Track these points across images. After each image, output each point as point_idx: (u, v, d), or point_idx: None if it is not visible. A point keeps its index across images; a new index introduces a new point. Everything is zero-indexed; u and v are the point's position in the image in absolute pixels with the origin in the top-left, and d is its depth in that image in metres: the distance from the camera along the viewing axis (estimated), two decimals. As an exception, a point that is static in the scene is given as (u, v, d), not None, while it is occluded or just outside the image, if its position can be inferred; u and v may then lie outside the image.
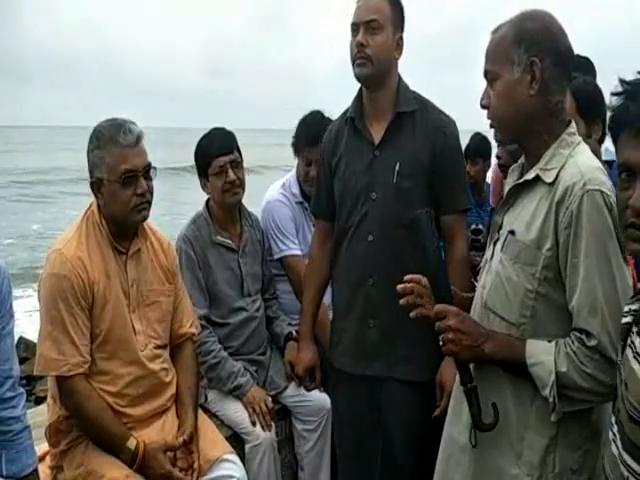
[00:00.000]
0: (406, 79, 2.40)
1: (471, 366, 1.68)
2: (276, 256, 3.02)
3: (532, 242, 1.57)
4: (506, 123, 1.66)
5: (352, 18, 2.29)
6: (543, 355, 1.53)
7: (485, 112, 1.69)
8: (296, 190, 3.08)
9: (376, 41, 2.25)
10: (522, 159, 1.79)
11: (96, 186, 2.18)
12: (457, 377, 1.74)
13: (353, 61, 2.29)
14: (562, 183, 1.54)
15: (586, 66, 3.03)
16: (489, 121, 1.69)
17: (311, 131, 2.97)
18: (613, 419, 1.28)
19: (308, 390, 2.75)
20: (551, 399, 1.51)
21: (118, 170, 2.12)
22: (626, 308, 1.30)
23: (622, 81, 1.21)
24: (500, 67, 1.61)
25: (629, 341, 1.24)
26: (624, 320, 1.28)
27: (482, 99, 1.67)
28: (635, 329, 1.22)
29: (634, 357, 1.20)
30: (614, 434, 1.26)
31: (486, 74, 1.66)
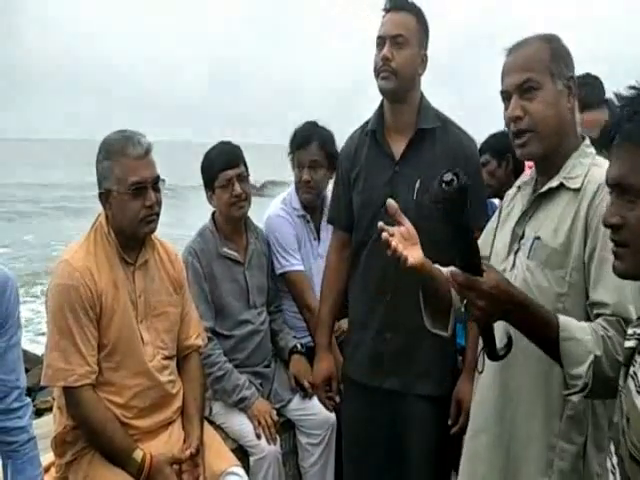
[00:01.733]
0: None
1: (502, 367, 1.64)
2: (278, 271, 3.02)
3: (561, 246, 1.58)
4: (548, 134, 1.64)
5: (378, 32, 2.31)
6: (579, 332, 1.45)
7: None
8: (297, 204, 3.08)
9: (401, 55, 2.27)
10: (528, 175, 1.80)
11: (104, 197, 2.19)
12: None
13: (377, 74, 2.29)
14: (591, 185, 1.57)
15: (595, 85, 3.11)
16: (517, 133, 1.65)
17: (300, 134, 3.01)
18: (613, 449, 1.24)
19: (325, 405, 2.72)
20: (586, 380, 1.42)
21: (127, 182, 2.13)
22: (630, 331, 1.24)
23: (618, 95, 1.21)
24: (542, 77, 1.63)
25: (632, 371, 1.19)
26: (627, 344, 1.23)
27: (514, 109, 1.64)
28: (638, 358, 1.17)
29: (637, 391, 1.15)
30: (613, 466, 1.23)
31: (524, 83, 1.64)
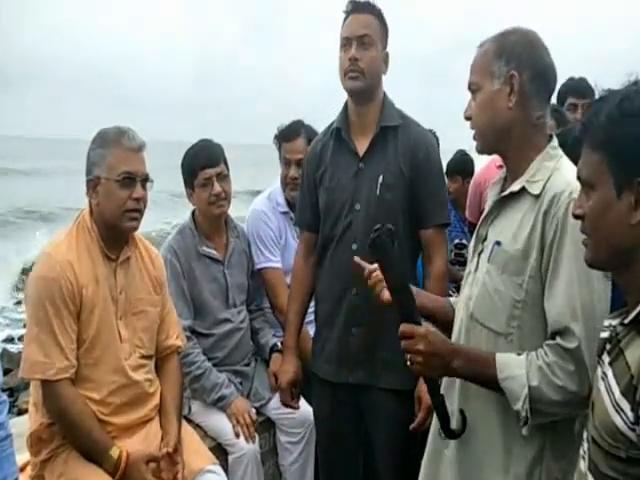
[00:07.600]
0: (399, 94, 2.46)
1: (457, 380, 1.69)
2: (257, 267, 3.02)
3: (519, 252, 1.59)
4: (484, 133, 1.69)
5: (343, 33, 2.34)
6: (515, 369, 1.53)
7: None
8: (281, 199, 3.09)
9: (367, 55, 2.30)
10: (502, 173, 1.80)
11: (92, 184, 2.19)
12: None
13: (344, 74, 2.32)
14: (549, 193, 1.57)
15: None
16: (473, 132, 1.73)
17: (288, 128, 3.05)
18: (585, 435, 1.27)
19: (287, 407, 2.68)
20: (524, 413, 1.51)
21: (118, 169, 2.14)
22: (606, 322, 1.29)
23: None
24: (482, 79, 1.66)
25: (600, 359, 1.24)
26: (602, 335, 1.28)
27: (465, 111, 1.72)
28: (608, 346, 1.22)
29: (601, 377, 1.21)
30: (584, 451, 1.26)
31: (470, 86, 1.70)
